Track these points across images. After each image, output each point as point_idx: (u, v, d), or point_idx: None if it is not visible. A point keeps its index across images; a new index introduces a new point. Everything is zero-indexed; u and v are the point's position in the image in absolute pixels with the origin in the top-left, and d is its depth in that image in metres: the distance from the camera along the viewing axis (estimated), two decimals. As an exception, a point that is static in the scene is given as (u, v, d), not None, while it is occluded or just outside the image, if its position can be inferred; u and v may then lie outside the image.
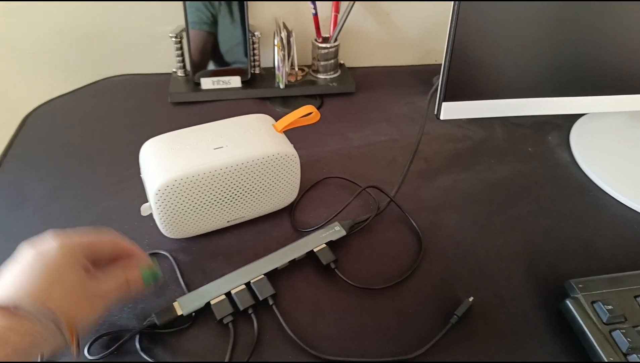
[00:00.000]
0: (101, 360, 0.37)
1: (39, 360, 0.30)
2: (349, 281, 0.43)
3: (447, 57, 0.45)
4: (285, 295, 0.43)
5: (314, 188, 0.55)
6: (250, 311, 0.40)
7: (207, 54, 0.68)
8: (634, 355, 0.36)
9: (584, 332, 0.38)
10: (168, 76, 0.73)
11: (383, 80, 0.79)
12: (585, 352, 0.38)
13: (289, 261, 0.44)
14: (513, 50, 0.47)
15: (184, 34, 0.67)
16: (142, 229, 0.48)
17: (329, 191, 0.55)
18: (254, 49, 0.71)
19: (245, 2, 0.65)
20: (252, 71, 0.72)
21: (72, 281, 0.33)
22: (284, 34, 0.67)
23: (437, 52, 0.84)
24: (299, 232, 0.49)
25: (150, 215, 0.45)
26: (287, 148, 0.46)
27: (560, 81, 0.51)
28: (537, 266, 0.46)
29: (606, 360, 0.36)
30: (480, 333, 0.40)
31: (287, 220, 0.51)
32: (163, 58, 0.74)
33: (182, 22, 0.66)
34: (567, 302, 0.40)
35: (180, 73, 0.72)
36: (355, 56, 0.81)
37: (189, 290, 0.42)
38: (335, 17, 0.72)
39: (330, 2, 0.71)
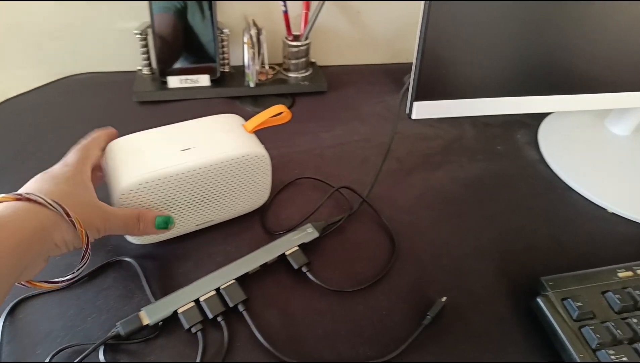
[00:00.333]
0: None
1: (50, 245, 0.33)
2: (322, 284, 0.43)
3: (418, 56, 0.45)
4: (257, 300, 0.42)
5: (285, 189, 0.54)
6: (220, 318, 0.39)
7: (174, 50, 0.66)
8: (603, 351, 0.36)
9: (555, 329, 0.38)
10: (133, 74, 0.70)
11: (355, 79, 0.78)
12: (556, 349, 0.38)
13: (261, 265, 0.43)
14: (482, 50, 0.48)
15: (149, 31, 0.65)
16: (106, 234, 0.46)
17: (301, 192, 0.54)
18: (222, 46, 0.69)
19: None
20: (222, 70, 0.70)
21: (78, 186, 0.37)
22: (253, 32, 0.66)
23: (408, 50, 0.84)
24: (271, 235, 0.48)
25: None
26: (257, 149, 0.45)
27: (528, 80, 0.51)
28: (509, 264, 0.47)
29: (576, 357, 0.36)
30: (454, 333, 0.40)
31: (259, 222, 0.49)
32: (127, 56, 0.72)
33: (147, 19, 0.64)
34: (538, 300, 0.40)
35: (146, 71, 0.70)
36: (327, 55, 0.80)
37: (156, 298, 0.40)
38: (306, 15, 0.71)
39: (301, 0, 0.70)
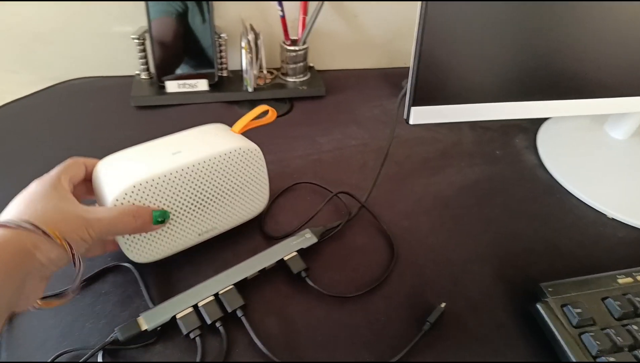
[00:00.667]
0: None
1: (35, 264, 0.31)
2: (321, 290, 0.42)
3: (415, 60, 0.45)
4: (256, 305, 0.41)
5: (283, 194, 0.54)
6: (218, 324, 0.39)
7: (172, 54, 0.66)
8: (603, 358, 0.36)
9: (555, 336, 0.38)
10: (130, 78, 0.70)
11: (353, 83, 0.78)
12: (556, 355, 0.38)
13: (259, 271, 0.43)
14: (480, 54, 0.48)
15: (147, 35, 0.65)
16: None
17: (300, 197, 0.54)
18: (220, 51, 0.69)
19: (210, 2, 0.64)
20: (220, 74, 0.70)
21: (55, 200, 0.35)
22: (251, 36, 0.66)
23: (406, 54, 0.84)
24: (269, 240, 0.48)
25: None
26: (247, 143, 0.45)
27: (526, 85, 0.51)
28: (507, 269, 0.47)
29: (576, 363, 0.36)
30: (453, 339, 0.40)
31: (257, 228, 0.49)
32: (124, 60, 0.71)
33: (143, 23, 0.64)
34: (538, 306, 0.40)
35: (144, 76, 0.70)
36: (325, 59, 0.80)
37: (154, 304, 0.40)
38: (304, 19, 0.71)
39: (298, 4, 0.70)
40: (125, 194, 0.39)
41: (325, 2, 0.69)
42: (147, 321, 0.38)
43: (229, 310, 0.39)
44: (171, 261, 0.45)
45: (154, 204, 0.41)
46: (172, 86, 0.67)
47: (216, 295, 0.40)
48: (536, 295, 0.41)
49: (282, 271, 0.44)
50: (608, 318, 0.39)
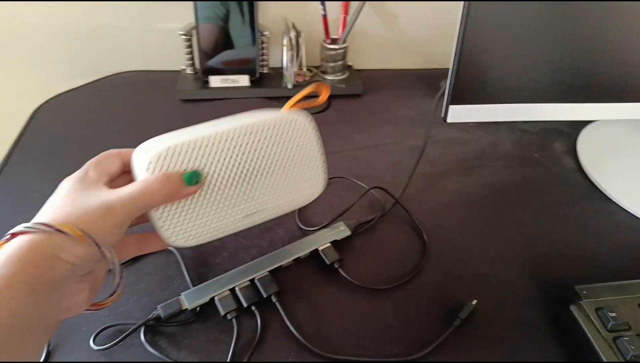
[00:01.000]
0: (107, 350, 0.38)
1: (65, 267, 0.29)
2: (353, 281, 0.44)
3: (455, 59, 0.46)
4: (289, 292, 0.43)
5: (319, 187, 0.55)
6: (253, 307, 0.40)
7: (217, 52, 0.69)
8: (637, 363, 0.36)
9: (588, 338, 0.38)
10: (176, 73, 0.73)
11: (390, 82, 0.79)
12: (587, 358, 0.38)
13: (294, 259, 0.44)
14: (522, 54, 0.48)
15: (194, 32, 0.68)
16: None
17: (334, 191, 0.55)
18: (262, 48, 0.71)
19: (255, 1, 0.66)
20: (261, 71, 0.72)
21: (79, 192, 0.32)
22: (292, 35, 0.68)
23: (444, 56, 0.84)
24: (304, 231, 0.49)
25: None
26: (296, 114, 0.39)
27: (568, 87, 0.51)
28: (540, 271, 0.46)
29: (609, 366, 0.36)
30: (483, 336, 0.40)
31: (293, 219, 0.51)
32: (172, 55, 0.74)
33: (191, 20, 0.66)
34: (571, 308, 0.40)
35: (189, 71, 0.73)
36: (364, 58, 0.81)
37: (194, 285, 0.42)
38: (345, 18, 0.72)
39: (340, 4, 0.72)
40: (159, 157, 0.33)
41: (367, 3, 0.70)
42: (188, 300, 0.40)
43: (264, 295, 0.41)
44: (210, 247, 0.47)
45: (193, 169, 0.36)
46: (215, 81, 0.70)
47: (252, 280, 0.42)
48: (570, 297, 0.41)
49: (315, 261, 0.46)
50: (644, 324, 0.38)
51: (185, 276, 0.43)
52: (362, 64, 0.81)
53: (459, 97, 0.48)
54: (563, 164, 0.61)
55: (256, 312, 0.40)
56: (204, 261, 0.45)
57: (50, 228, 0.28)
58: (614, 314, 0.38)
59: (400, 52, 0.82)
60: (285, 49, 0.68)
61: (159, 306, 0.39)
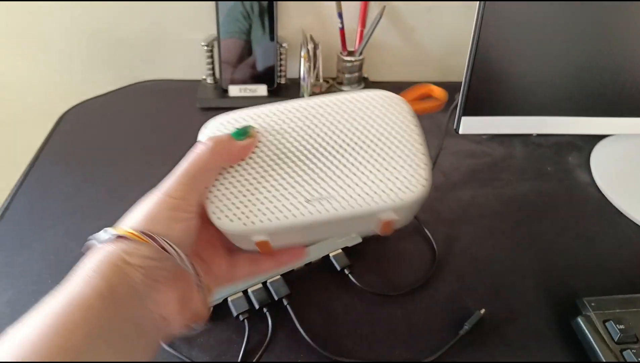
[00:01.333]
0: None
1: (143, 272, 0.26)
2: (363, 287, 0.44)
3: (468, 70, 0.47)
4: (300, 296, 0.44)
5: (332, 195, 0.56)
6: (265, 309, 0.42)
7: (237, 62, 0.71)
8: (644, 375, 0.36)
9: (595, 350, 0.38)
10: (197, 82, 0.76)
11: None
12: (595, 370, 0.38)
13: (305, 264, 0.46)
14: (535, 67, 0.48)
15: (215, 43, 0.70)
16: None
17: (347, 199, 0.56)
18: (280, 59, 0.73)
19: (275, 14, 0.68)
20: (278, 81, 0.74)
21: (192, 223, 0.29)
22: (310, 46, 0.70)
23: (459, 70, 0.84)
24: (316, 237, 0.50)
25: None
26: (388, 92, 0.33)
27: (582, 100, 0.51)
28: (550, 282, 0.47)
29: (616, 379, 0.36)
30: (490, 345, 0.41)
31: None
32: (193, 65, 0.77)
33: (213, 31, 0.69)
34: (579, 319, 0.40)
35: (209, 80, 0.75)
36: (380, 71, 0.83)
37: (208, 286, 0.43)
38: (361, 31, 0.74)
39: (357, 17, 0.73)
40: (221, 125, 0.32)
41: (383, 17, 0.72)
42: (201, 300, 0.41)
43: (276, 298, 0.42)
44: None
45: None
46: (234, 91, 0.72)
47: (264, 282, 0.43)
48: (578, 309, 0.41)
49: (326, 266, 0.47)
50: (653, 337, 0.38)
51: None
52: (378, 76, 0.83)
53: (471, 109, 0.49)
54: (576, 178, 0.61)
55: (267, 314, 0.41)
56: (218, 263, 0.47)
57: (112, 236, 0.27)
58: (622, 326, 0.38)
59: (416, 65, 0.84)
60: (302, 60, 0.70)
61: (174, 305, 0.41)
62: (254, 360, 0.39)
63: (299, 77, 0.72)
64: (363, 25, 0.74)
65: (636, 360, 0.36)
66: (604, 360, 0.37)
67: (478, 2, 0.44)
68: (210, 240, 0.33)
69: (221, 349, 0.40)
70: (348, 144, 0.31)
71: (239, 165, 0.31)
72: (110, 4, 0.72)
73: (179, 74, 0.79)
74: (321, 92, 0.75)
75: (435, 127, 0.71)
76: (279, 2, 0.69)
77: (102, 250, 0.27)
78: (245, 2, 0.67)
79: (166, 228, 0.27)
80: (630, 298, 0.42)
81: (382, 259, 0.48)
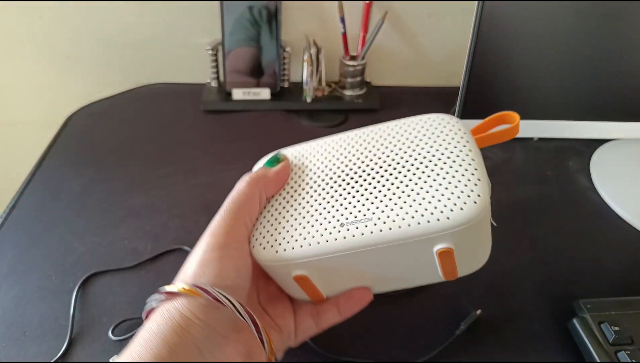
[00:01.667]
0: (124, 341, 0.40)
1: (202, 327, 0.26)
2: (361, 287, 0.45)
3: (466, 73, 0.47)
4: (299, 295, 0.45)
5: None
6: (264, 308, 0.42)
7: (241, 67, 0.72)
8: (638, 376, 0.36)
9: (590, 351, 0.38)
10: (202, 85, 0.77)
11: (407, 99, 0.81)
12: (590, 371, 0.38)
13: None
14: (535, 70, 0.49)
15: (220, 48, 0.71)
16: (169, 225, 0.51)
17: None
18: (284, 63, 0.74)
19: (278, 19, 0.69)
20: (281, 85, 0.75)
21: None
22: (313, 51, 0.71)
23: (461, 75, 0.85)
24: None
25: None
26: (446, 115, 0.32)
27: (583, 104, 0.52)
28: (549, 285, 0.47)
29: (610, 380, 0.36)
30: (486, 345, 0.41)
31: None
32: (197, 68, 0.78)
33: (218, 36, 0.70)
34: (574, 321, 0.40)
35: (213, 84, 0.76)
36: (382, 75, 0.83)
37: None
38: (364, 36, 0.75)
39: (359, 22, 0.74)
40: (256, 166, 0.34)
41: (385, 22, 0.73)
42: (201, 298, 0.42)
43: (274, 296, 0.43)
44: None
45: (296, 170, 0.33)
46: (237, 94, 0.73)
47: (264, 281, 0.44)
48: (574, 311, 0.42)
49: (325, 266, 0.47)
50: (648, 339, 0.39)
51: (201, 276, 0.45)
52: (380, 80, 0.84)
53: (469, 113, 0.50)
54: (576, 182, 0.62)
55: (266, 312, 0.42)
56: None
57: (168, 295, 0.27)
58: (616, 328, 0.39)
59: (418, 70, 0.84)
60: (305, 64, 0.71)
61: (174, 302, 0.42)
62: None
63: (302, 81, 0.73)
64: (365, 30, 0.75)
65: (630, 361, 0.36)
66: (599, 361, 0.37)
67: (477, 2, 0.44)
68: (275, 293, 0.33)
69: (220, 346, 0.40)
70: (389, 165, 0.30)
71: (280, 196, 0.32)
72: (119, 10, 0.73)
73: (184, 77, 0.81)
74: (323, 96, 0.76)
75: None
76: (282, 7, 0.70)
77: (161, 309, 0.27)
78: (253, 9, 0.68)
79: (218, 270, 0.27)
80: (627, 301, 0.42)
81: (381, 260, 0.49)
